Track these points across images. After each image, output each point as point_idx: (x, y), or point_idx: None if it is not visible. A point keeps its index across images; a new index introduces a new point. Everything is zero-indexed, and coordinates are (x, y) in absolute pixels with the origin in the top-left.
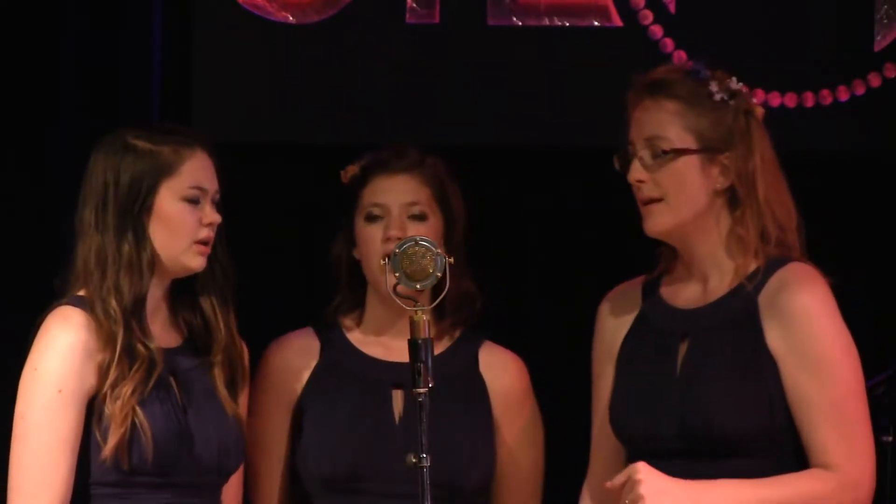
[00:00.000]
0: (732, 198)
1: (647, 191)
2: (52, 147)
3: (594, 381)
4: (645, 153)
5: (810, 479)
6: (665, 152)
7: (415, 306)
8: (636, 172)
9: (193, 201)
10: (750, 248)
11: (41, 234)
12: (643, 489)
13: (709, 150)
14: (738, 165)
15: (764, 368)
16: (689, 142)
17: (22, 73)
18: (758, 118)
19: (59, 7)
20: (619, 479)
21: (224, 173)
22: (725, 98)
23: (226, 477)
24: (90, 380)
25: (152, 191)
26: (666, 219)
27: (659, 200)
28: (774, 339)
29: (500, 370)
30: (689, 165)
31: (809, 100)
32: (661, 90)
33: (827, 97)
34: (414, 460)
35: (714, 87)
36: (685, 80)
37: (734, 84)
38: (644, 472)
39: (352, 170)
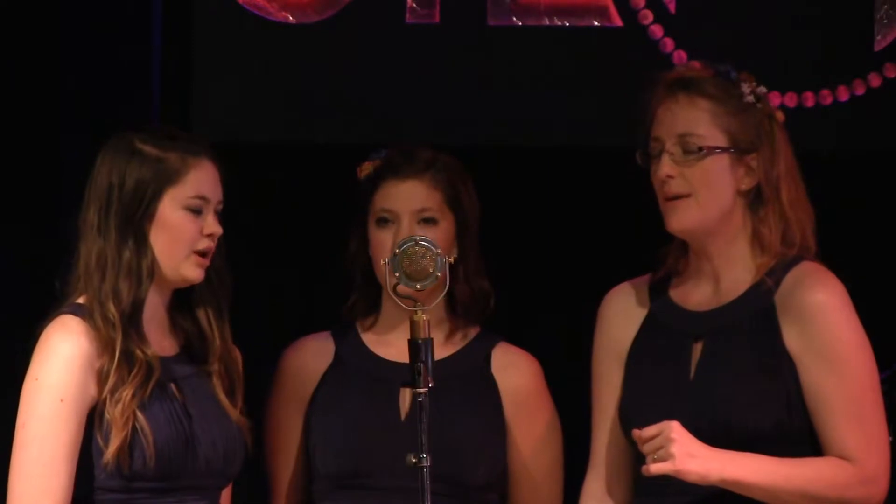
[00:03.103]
0: (755, 199)
1: (675, 186)
2: (51, 147)
3: (596, 381)
4: (676, 149)
5: (832, 466)
6: (700, 149)
7: (415, 306)
8: (666, 168)
9: (196, 211)
10: (772, 249)
11: (42, 237)
12: (675, 448)
13: (738, 149)
14: (765, 168)
15: (782, 367)
16: (720, 140)
17: (21, 73)
18: (779, 122)
19: (59, 7)
20: (650, 430)
21: (224, 175)
22: (753, 101)
23: (229, 480)
24: (91, 389)
25: (156, 198)
26: (693, 215)
27: (686, 196)
28: (792, 336)
29: (512, 370)
30: (719, 163)
31: (809, 100)
32: (694, 88)
33: (827, 97)
34: (414, 460)
35: (745, 88)
36: (716, 80)
37: (761, 87)
38: (678, 432)
39: (367, 167)
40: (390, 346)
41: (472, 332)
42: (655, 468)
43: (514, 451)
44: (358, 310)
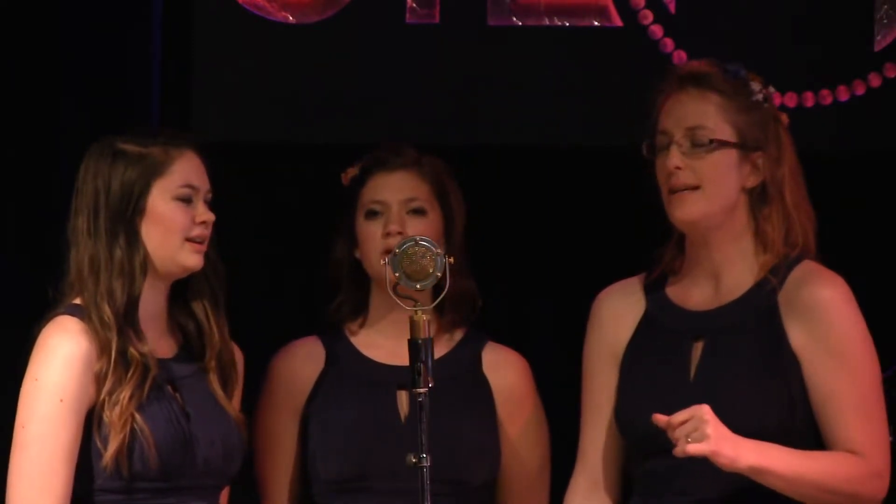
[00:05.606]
0: (758, 198)
1: (683, 178)
2: (51, 148)
3: (588, 379)
4: (685, 142)
5: (846, 460)
6: (711, 141)
7: (415, 306)
8: (675, 159)
9: (186, 200)
10: (775, 248)
11: (41, 237)
12: (710, 429)
13: (745, 146)
14: (771, 167)
15: (786, 366)
16: (729, 135)
17: (22, 75)
18: (784, 124)
19: (59, 7)
20: (681, 415)
21: (222, 173)
22: (762, 100)
23: (229, 479)
24: (90, 389)
25: (144, 192)
26: (699, 206)
27: (693, 188)
28: (798, 335)
29: (503, 369)
30: (727, 158)
31: (809, 100)
32: (705, 82)
33: (827, 97)
34: (414, 460)
35: (755, 86)
36: (726, 77)
37: (769, 88)
38: (710, 415)
39: (351, 171)
40: (380, 347)
41: (459, 334)
42: (692, 448)
43: (507, 449)
44: (344, 311)
